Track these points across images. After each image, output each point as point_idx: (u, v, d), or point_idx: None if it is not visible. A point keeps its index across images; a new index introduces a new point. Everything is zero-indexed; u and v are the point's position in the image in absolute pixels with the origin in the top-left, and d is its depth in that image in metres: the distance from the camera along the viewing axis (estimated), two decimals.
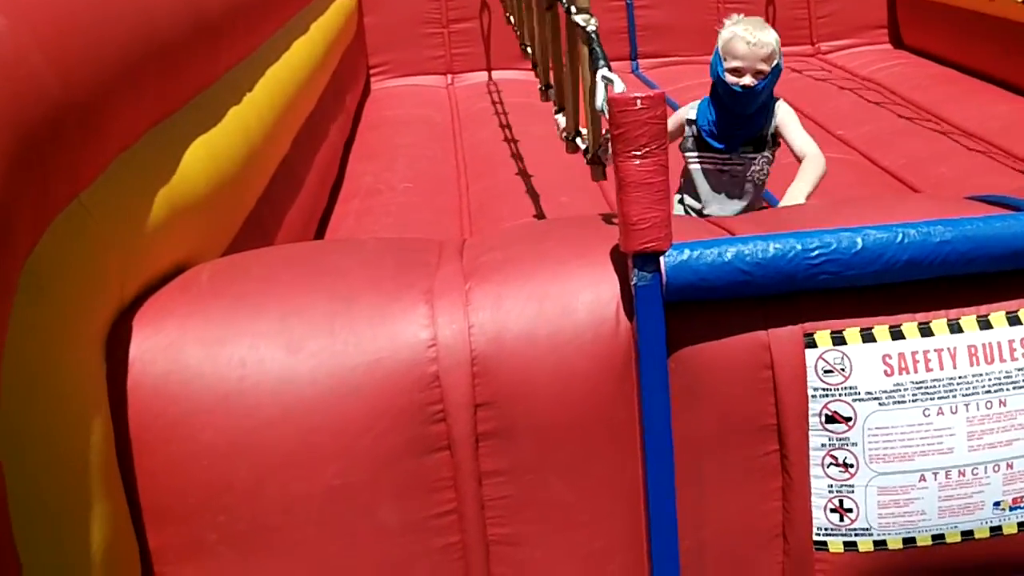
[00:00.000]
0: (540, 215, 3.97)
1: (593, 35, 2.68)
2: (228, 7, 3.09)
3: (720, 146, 3.30)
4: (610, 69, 2.16)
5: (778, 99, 3.32)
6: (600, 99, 2.18)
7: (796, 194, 3.13)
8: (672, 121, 3.31)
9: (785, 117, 3.30)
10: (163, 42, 2.40)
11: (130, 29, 2.22)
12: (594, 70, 2.39)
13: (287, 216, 3.36)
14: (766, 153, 3.30)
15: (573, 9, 2.97)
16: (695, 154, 3.35)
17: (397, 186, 4.47)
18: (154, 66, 2.31)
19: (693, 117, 3.32)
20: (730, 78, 3.19)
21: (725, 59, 3.21)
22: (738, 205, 3.31)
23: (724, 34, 3.24)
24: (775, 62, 3.21)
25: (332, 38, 5.14)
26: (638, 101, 1.81)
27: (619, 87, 2.04)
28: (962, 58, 6.29)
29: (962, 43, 6.28)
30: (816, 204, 2.96)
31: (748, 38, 3.18)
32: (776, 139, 3.30)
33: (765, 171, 3.31)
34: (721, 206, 3.32)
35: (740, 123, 3.26)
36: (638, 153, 1.81)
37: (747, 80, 3.17)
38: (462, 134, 5.54)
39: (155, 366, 1.84)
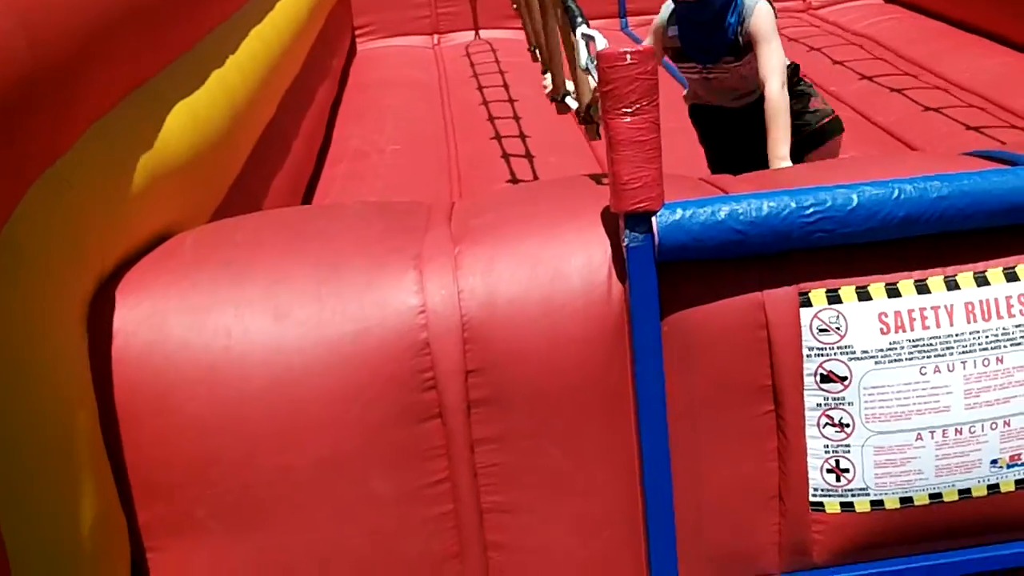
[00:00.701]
0: (530, 176, 3.93)
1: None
2: None
3: (695, 61, 3.15)
4: (588, 26, 2.11)
5: (757, 1, 3.07)
6: (583, 58, 2.13)
7: (777, 158, 2.96)
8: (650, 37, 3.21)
9: (759, 26, 3.03)
10: (141, 3, 2.34)
11: None
12: (573, 28, 2.34)
13: (274, 181, 3.32)
14: (748, 58, 3.09)
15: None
16: (678, 65, 3.22)
17: (385, 148, 4.42)
18: (132, 28, 2.25)
19: (664, 22, 3.16)
20: None
21: None
22: (741, 102, 3.21)
23: None
24: None
25: None
26: (627, 56, 1.76)
27: (601, 44, 1.99)
28: (954, 11, 6.23)
29: None
30: (811, 164, 2.92)
31: None
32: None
33: (756, 91, 3.13)
34: (721, 102, 3.25)
35: (703, 32, 3.08)
36: (628, 110, 1.77)
37: None
38: (450, 95, 5.48)
39: (138, 337, 1.80)
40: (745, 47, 3.08)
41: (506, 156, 4.22)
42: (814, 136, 3.28)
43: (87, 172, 1.86)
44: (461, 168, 4.22)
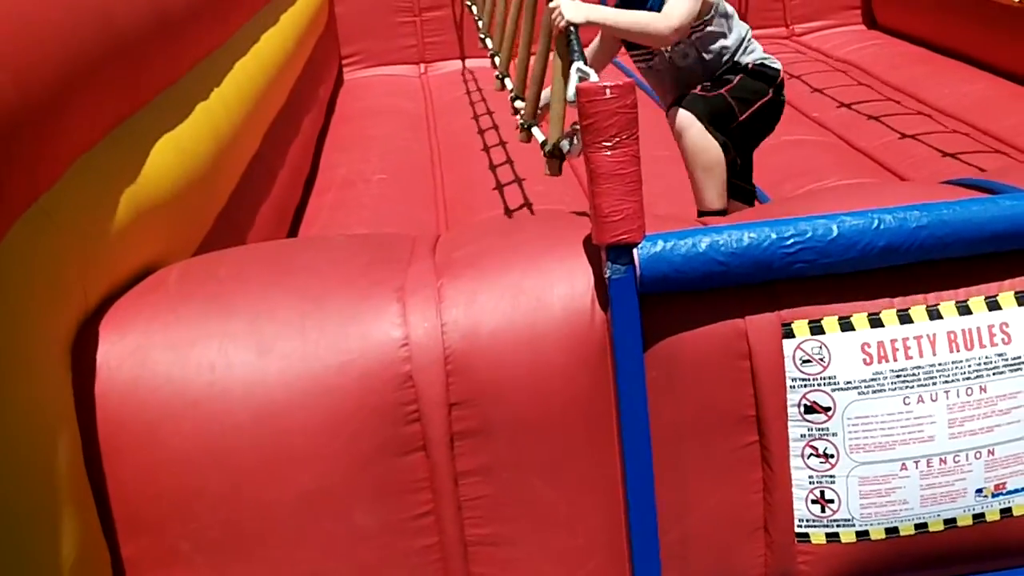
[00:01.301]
0: (516, 204, 3.94)
1: (572, 27, 2.64)
2: (193, 0, 3.04)
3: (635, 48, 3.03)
4: (586, 63, 2.12)
5: None
6: (572, 91, 2.14)
7: (573, 7, 2.66)
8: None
9: None
10: (124, 38, 2.35)
11: (88, 26, 2.16)
12: (569, 62, 2.35)
13: (260, 212, 3.32)
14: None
15: None
16: (632, 57, 3.10)
17: (371, 178, 4.42)
18: (115, 63, 2.26)
19: None
20: None
21: None
22: (670, 100, 3.03)
23: None
24: None
25: (303, 29, 5.08)
26: (607, 90, 1.78)
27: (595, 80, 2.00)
28: (935, 37, 6.28)
29: (934, 22, 6.27)
30: (794, 197, 2.91)
31: None
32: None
33: (692, 52, 2.96)
34: (664, 103, 3.10)
35: (635, 8, 2.93)
36: (608, 144, 1.78)
37: None
38: (436, 124, 5.50)
39: (122, 372, 1.80)
40: None
41: (492, 185, 4.23)
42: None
43: (71, 208, 1.87)
44: (447, 197, 4.23)
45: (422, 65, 6.76)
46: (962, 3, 5.69)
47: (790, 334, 1.89)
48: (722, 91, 3.00)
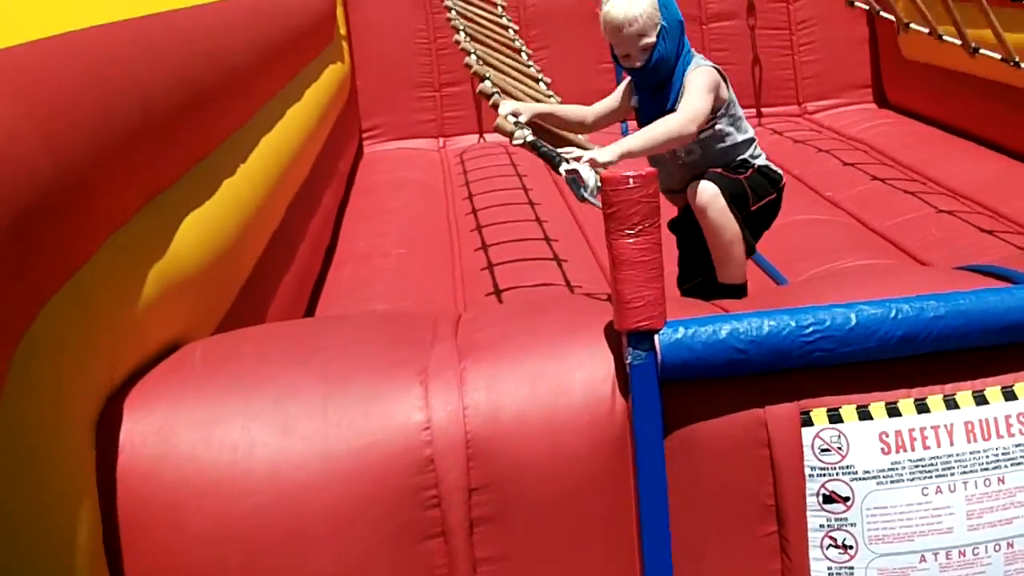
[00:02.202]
0: (535, 281, 3.97)
1: (533, 144, 2.67)
2: (223, 78, 3.11)
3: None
4: (566, 162, 2.20)
5: (699, 63, 2.96)
6: (580, 191, 2.26)
7: (608, 150, 2.70)
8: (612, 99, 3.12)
9: (689, 79, 2.92)
10: (157, 117, 2.41)
11: (124, 105, 2.22)
12: (555, 168, 2.44)
13: (281, 285, 3.36)
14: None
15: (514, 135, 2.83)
16: None
17: (390, 251, 4.47)
18: (148, 142, 2.32)
19: (631, 86, 3.08)
20: (623, 61, 2.97)
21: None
22: (677, 192, 3.06)
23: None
24: (657, 29, 2.89)
25: (326, 103, 5.17)
26: (630, 180, 1.82)
27: (585, 173, 2.11)
28: (945, 116, 6.36)
29: (944, 102, 6.35)
30: (811, 279, 2.92)
31: (612, 22, 2.89)
32: None
33: (698, 149, 2.98)
34: (672, 195, 3.11)
35: (654, 100, 2.99)
36: (631, 232, 1.82)
37: (634, 63, 2.93)
38: (454, 197, 5.57)
39: (145, 449, 1.82)
40: None
41: (510, 259, 4.26)
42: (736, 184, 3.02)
43: (102, 285, 1.90)
44: (465, 272, 4.27)
45: (441, 139, 6.86)
46: (971, 84, 5.76)
47: (809, 422, 1.90)
48: (740, 177, 3.04)
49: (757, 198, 3.06)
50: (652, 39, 2.89)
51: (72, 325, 1.74)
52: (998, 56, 4.37)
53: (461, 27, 4.86)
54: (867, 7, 5.48)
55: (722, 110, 2.99)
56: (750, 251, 3.12)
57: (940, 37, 4.83)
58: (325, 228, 4.56)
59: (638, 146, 2.82)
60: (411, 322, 2.19)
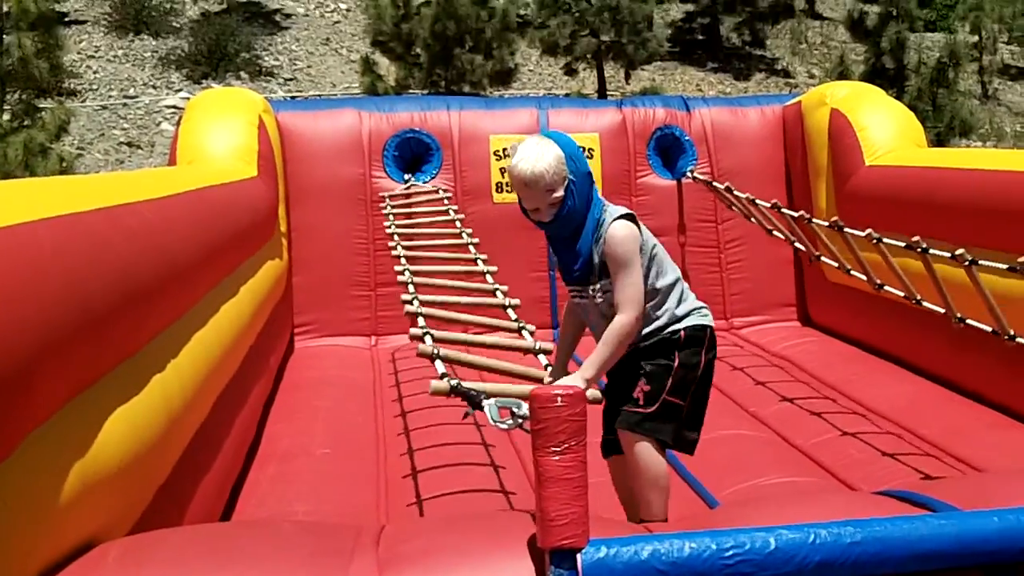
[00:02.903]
0: (458, 488, 3.94)
1: (455, 389, 2.76)
2: (162, 274, 3.14)
3: (568, 282, 3.09)
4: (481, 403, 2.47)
5: (616, 217, 2.97)
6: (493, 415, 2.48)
7: (578, 376, 2.88)
8: None
9: (613, 250, 2.93)
10: (95, 314, 2.42)
11: (64, 302, 2.23)
12: (475, 407, 2.55)
13: (202, 483, 3.30)
14: (604, 281, 2.99)
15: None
16: (566, 286, 3.14)
17: (315, 452, 4.41)
18: (81, 337, 2.32)
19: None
20: (532, 215, 2.99)
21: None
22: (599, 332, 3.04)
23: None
24: (565, 183, 2.90)
25: (261, 299, 5.21)
26: (559, 399, 1.86)
27: (493, 414, 2.41)
28: (866, 337, 6.60)
29: (865, 323, 6.60)
30: (735, 502, 2.95)
31: (520, 176, 2.90)
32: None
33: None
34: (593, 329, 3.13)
35: (568, 251, 3.02)
36: (557, 449, 1.85)
37: (543, 217, 2.96)
38: (383, 397, 5.56)
39: None
40: (603, 270, 2.98)
41: (435, 465, 4.24)
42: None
43: (20, 482, 1.87)
44: (389, 477, 4.22)
45: (373, 337, 6.90)
46: (891, 308, 6.01)
47: None
48: (671, 364, 3.06)
49: (692, 377, 3.10)
50: (560, 193, 2.90)
51: None
52: (901, 293, 4.61)
53: (396, 232, 5.03)
54: (783, 237, 5.77)
55: (645, 261, 3.02)
56: (691, 448, 3.17)
57: (848, 271, 5.09)
58: (250, 426, 4.52)
59: (599, 365, 2.92)
60: (332, 532, 2.17)
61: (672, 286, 3.13)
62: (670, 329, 3.10)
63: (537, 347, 3.34)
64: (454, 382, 2.78)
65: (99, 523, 2.27)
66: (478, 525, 2.16)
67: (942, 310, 4.26)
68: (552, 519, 1.83)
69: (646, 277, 3.03)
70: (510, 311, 3.78)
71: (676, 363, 3.08)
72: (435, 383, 2.79)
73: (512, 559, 1.93)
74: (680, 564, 1.89)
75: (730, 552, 1.91)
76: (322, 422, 4.88)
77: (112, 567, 1.99)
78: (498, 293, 3.98)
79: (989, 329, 4.02)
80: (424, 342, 3.15)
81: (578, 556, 1.84)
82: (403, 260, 4.20)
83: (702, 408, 3.21)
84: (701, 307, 3.21)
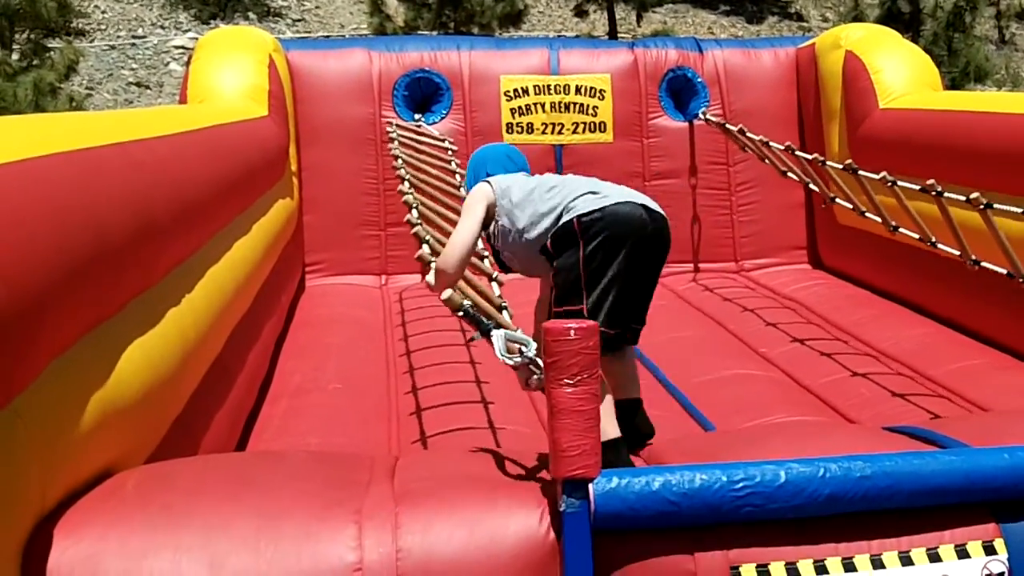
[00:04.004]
0: (470, 423, 3.98)
1: (466, 311, 2.78)
2: (176, 210, 3.15)
3: None
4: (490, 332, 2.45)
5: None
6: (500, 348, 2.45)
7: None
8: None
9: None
10: (110, 247, 2.43)
11: (79, 235, 2.25)
12: (483, 335, 2.56)
13: (215, 417, 3.33)
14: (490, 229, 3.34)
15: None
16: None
17: (326, 387, 4.44)
18: (99, 272, 2.34)
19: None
20: None
21: None
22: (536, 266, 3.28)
23: None
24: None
25: (272, 238, 5.22)
26: (572, 331, 1.88)
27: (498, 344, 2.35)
28: (877, 281, 6.59)
29: (876, 267, 6.58)
30: (744, 430, 2.98)
31: None
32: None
33: (512, 244, 3.25)
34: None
35: None
36: (570, 381, 1.87)
37: None
38: (393, 335, 5.59)
39: None
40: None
41: (446, 401, 4.27)
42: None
43: (41, 411, 1.90)
44: (400, 411, 4.26)
45: (383, 276, 6.92)
46: (902, 251, 5.99)
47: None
48: (560, 272, 3.06)
49: (583, 265, 3.02)
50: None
51: (5, 447, 1.73)
52: (916, 236, 4.58)
53: (400, 155, 5.02)
54: (797, 179, 5.73)
55: (498, 210, 3.29)
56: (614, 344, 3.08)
57: (863, 213, 5.06)
58: (262, 362, 4.55)
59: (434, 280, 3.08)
60: (348, 462, 2.20)
61: (543, 215, 3.17)
62: (550, 229, 3.14)
63: (495, 275, 3.44)
64: (467, 303, 2.79)
65: (117, 452, 2.30)
66: (491, 457, 2.19)
67: (957, 252, 4.25)
68: (564, 450, 1.85)
69: (503, 225, 3.29)
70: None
71: (555, 271, 3.11)
72: (449, 292, 2.82)
73: (524, 491, 1.96)
74: (691, 495, 1.91)
75: (740, 484, 1.93)
76: (333, 359, 4.91)
77: (131, 494, 2.02)
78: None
79: (1004, 271, 4.00)
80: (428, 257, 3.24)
81: (590, 486, 1.87)
82: (407, 183, 4.21)
83: (614, 302, 3.02)
84: (572, 207, 3.14)
